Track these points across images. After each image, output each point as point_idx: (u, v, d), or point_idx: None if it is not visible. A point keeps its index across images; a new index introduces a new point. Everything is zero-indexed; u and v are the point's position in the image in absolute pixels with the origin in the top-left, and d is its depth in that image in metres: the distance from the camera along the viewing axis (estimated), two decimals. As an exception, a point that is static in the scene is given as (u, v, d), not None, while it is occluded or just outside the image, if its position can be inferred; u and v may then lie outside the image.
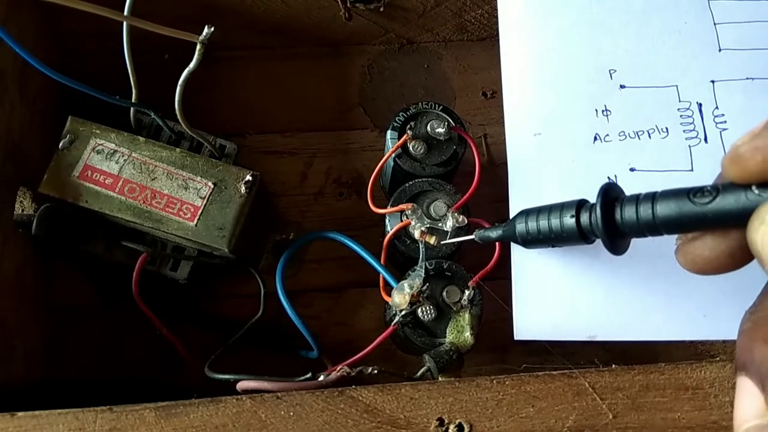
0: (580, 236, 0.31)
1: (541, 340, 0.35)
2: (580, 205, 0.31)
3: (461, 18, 0.47)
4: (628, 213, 0.28)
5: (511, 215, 0.36)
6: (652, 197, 0.27)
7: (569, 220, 0.30)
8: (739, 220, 0.24)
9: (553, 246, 0.33)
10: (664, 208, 0.26)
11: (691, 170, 0.38)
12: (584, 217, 0.30)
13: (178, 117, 0.35)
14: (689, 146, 0.38)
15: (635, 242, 0.36)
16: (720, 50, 0.40)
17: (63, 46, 0.45)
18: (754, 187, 0.24)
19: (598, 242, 0.30)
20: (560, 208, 0.31)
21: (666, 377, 0.31)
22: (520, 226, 0.33)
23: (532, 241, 0.33)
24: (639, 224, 0.27)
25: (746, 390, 0.23)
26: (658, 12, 0.41)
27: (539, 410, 0.30)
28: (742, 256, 0.26)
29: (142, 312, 0.37)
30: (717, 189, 0.25)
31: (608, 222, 0.28)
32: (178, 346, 0.38)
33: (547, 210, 0.32)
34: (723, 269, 0.26)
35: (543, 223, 0.32)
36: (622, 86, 0.39)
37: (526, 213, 0.33)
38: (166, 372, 0.41)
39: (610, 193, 0.29)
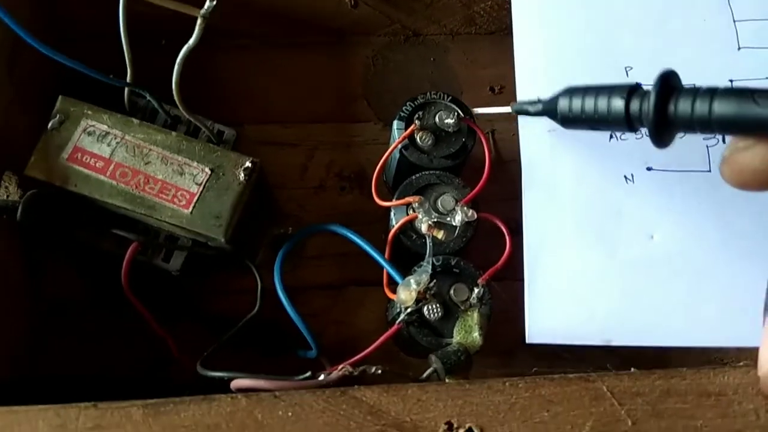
0: (626, 122, 0.29)
1: (554, 343, 0.33)
2: (633, 89, 0.29)
3: (470, 10, 0.46)
4: (683, 105, 0.26)
5: (525, 216, 0.35)
6: (713, 92, 0.26)
7: (618, 103, 0.29)
8: None
9: (593, 128, 0.32)
10: (722, 105, 0.25)
11: (709, 170, 0.37)
12: (635, 103, 0.28)
13: (175, 97, 0.34)
14: (707, 146, 0.37)
15: (655, 242, 0.34)
16: (739, 48, 0.39)
17: (57, 30, 0.43)
18: None
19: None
20: (610, 89, 0.30)
21: (688, 382, 0.29)
22: (563, 102, 0.31)
23: (573, 119, 0.31)
24: (692, 118, 0.26)
25: None
26: (676, 8, 0.40)
27: (554, 415, 0.28)
28: None
29: (131, 305, 0.35)
30: None
31: (660, 110, 0.27)
32: (170, 342, 0.36)
33: (595, 90, 0.30)
34: (762, 185, 0.25)
35: (589, 102, 0.30)
36: (638, 84, 0.38)
37: (572, 89, 0.31)
38: (156, 369, 0.39)
39: (669, 81, 0.27)
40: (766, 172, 0.25)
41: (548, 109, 0.33)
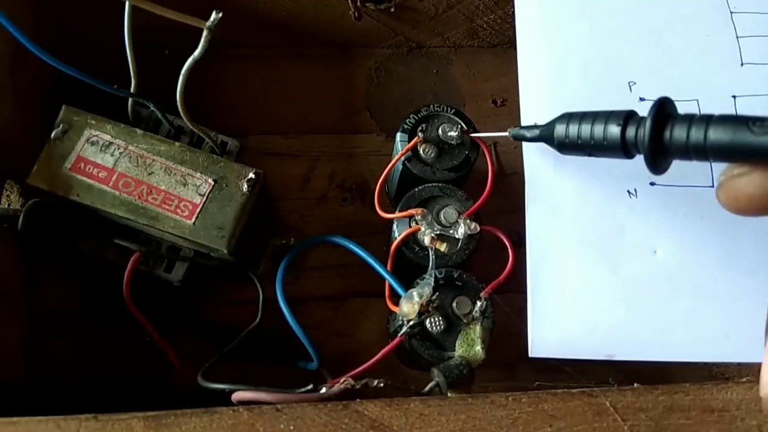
0: (622, 149, 0.29)
1: (556, 358, 0.33)
2: (629, 116, 0.29)
3: (473, 23, 0.46)
4: (679, 132, 0.26)
5: (528, 230, 0.35)
6: (708, 119, 0.26)
7: (614, 129, 0.29)
8: None
9: (589, 155, 0.31)
10: (717, 133, 0.25)
11: (712, 186, 0.37)
12: (630, 130, 0.29)
13: (179, 108, 0.34)
14: (710, 162, 0.37)
15: (658, 257, 0.34)
16: (742, 64, 0.39)
17: (60, 39, 0.43)
18: None
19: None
20: (607, 115, 0.30)
21: (691, 398, 0.29)
22: (560, 128, 0.31)
23: (569, 145, 0.31)
24: (688, 145, 0.26)
25: None
26: (679, 24, 0.40)
27: (557, 430, 0.28)
28: None
29: (132, 316, 0.35)
30: None
31: (656, 137, 0.27)
32: (170, 354, 0.36)
33: (592, 116, 0.30)
34: (763, 211, 0.25)
35: (585, 129, 0.30)
36: (641, 99, 0.38)
37: (569, 115, 0.31)
38: (157, 381, 0.38)
39: (665, 108, 0.28)
40: (762, 199, 0.25)
41: (545, 135, 0.33)
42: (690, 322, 0.33)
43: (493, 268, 0.35)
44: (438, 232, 0.35)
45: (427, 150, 0.37)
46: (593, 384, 0.40)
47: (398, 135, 0.38)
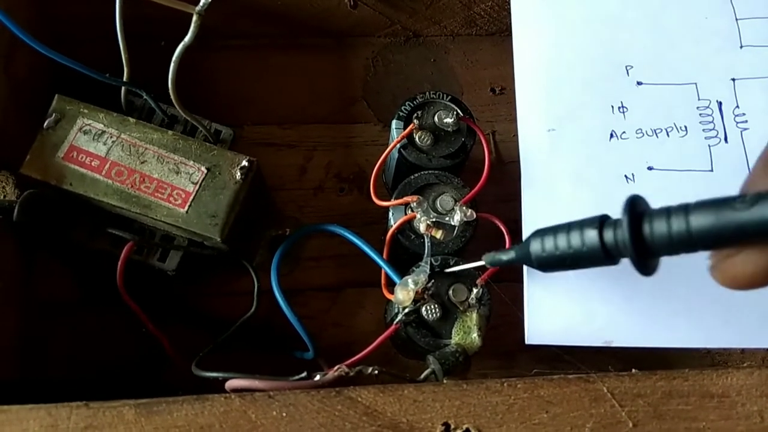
0: (604, 255, 0.27)
1: (553, 345, 0.33)
2: (603, 220, 0.27)
3: (470, 10, 0.45)
4: (659, 228, 0.24)
5: (524, 216, 0.34)
6: (685, 208, 0.24)
7: (591, 235, 0.27)
8: None
9: (573, 267, 0.29)
10: (700, 219, 0.23)
11: (711, 170, 0.36)
12: (608, 234, 0.27)
13: (171, 95, 0.33)
14: (709, 146, 0.37)
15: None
16: (741, 47, 0.38)
17: (54, 30, 0.43)
18: None
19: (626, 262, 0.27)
20: (580, 224, 0.28)
21: (690, 384, 0.29)
22: (535, 245, 0.29)
23: (549, 262, 0.29)
24: (672, 240, 0.24)
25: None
26: (677, 6, 0.39)
27: (553, 416, 0.28)
28: None
29: (127, 306, 0.35)
30: (758, 197, 0.22)
31: (636, 238, 0.25)
32: (165, 343, 0.36)
33: (565, 228, 0.28)
34: (763, 285, 0.24)
35: (561, 240, 0.28)
36: (639, 83, 0.38)
37: (541, 232, 0.29)
38: (151, 370, 0.38)
39: (637, 207, 0.26)
40: (763, 274, 0.23)
41: (521, 255, 0.30)
42: (688, 308, 0.33)
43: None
44: (434, 220, 0.35)
45: (422, 137, 0.37)
46: (593, 372, 0.39)
47: (394, 122, 0.38)
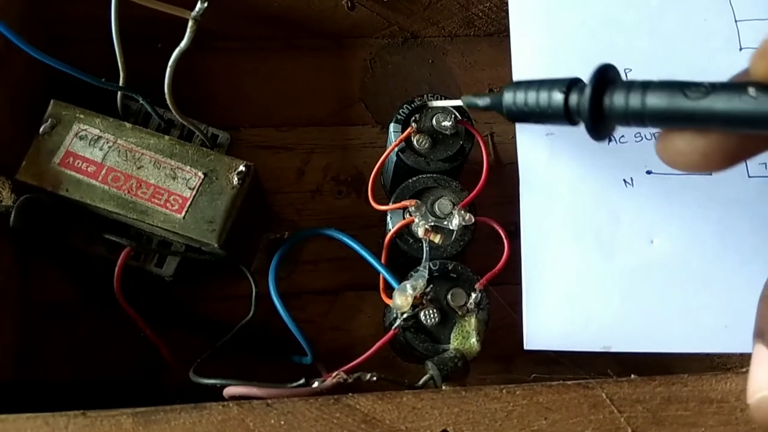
0: (566, 116, 0.29)
1: (552, 350, 0.33)
2: (573, 83, 0.29)
3: (468, 11, 0.45)
4: (618, 99, 0.26)
5: (523, 221, 0.34)
6: (645, 86, 0.26)
7: (558, 97, 0.29)
8: (728, 122, 0.23)
9: (538, 122, 0.31)
10: (654, 100, 0.25)
11: (709, 174, 0.36)
12: (573, 97, 0.28)
13: (167, 100, 0.33)
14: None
15: (654, 247, 0.34)
16: (741, 49, 0.38)
17: (48, 33, 0.43)
18: (750, 89, 0.22)
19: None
20: (551, 83, 0.29)
21: (689, 389, 0.29)
22: (508, 96, 0.31)
23: (518, 114, 0.31)
24: (626, 112, 0.26)
25: (761, 358, 0.23)
26: (675, 8, 0.39)
27: (552, 423, 0.28)
28: (717, 159, 0.25)
29: (124, 312, 0.34)
30: (713, 86, 0.24)
31: (595, 105, 0.27)
32: (163, 349, 0.36)
33: (537, 84, 0.30)
34: (694, 168, 0.26)
35: (531, 96, 0.30)
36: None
37: (516, 84, 0.31)
38: (148, 376, 0.38)
39: (606, 75, 0.27)
40: (690, 155, 0.26)
41: (495, 103, 0.32)
42: (687, 312, 0.33)
43: (488, 259, 0.34)
44: (432, 224, 0.35)
45: (420, 140, 0.37)
46: (591, 376, 0.39)
47: (391, 126, 0.37)
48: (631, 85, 0.26)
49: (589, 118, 0.27)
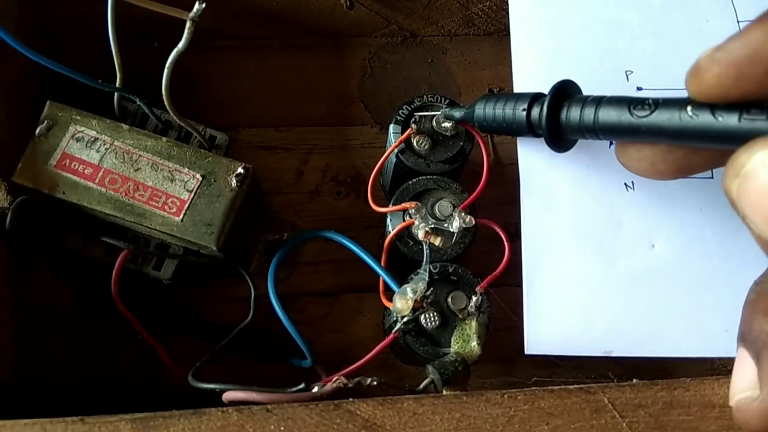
0: (528, 129, 0.31)
1: (553, 354, 0.33)
2: (534, 98, 0.31)
3: (468, 10, 0.45)
4: (573, 114, 0.29)
5: (523, 224, 0.34)
6: (598, 102, 0.28)
7: (521, 113, 0.31)
8: (670, 137, 0.25)
9: (508, 134, 0.34)
10: (604, 115, 0.27)
11: (711, 177, 0.36)
12: (535, 111, 0.31)
13: (165, 102, 0.33)
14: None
15: (656, 251, 0.34)
16: None
17: (45, 34, 0.43)
18: (689, 108, 0.24)
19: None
20: (516, 98, 0.32)
21: (691, 394, 0.28)
22: (479, 109, 0.33)
23: (487, 127, 0.33)
24: (580, 126, 0.28)
25: (743, 361, 0.24)
26: (677, 9, 0.39)
27: (554, 428, 0.27)
28: (664, 169, 0.28)
29: (122, 315, 0.34)
30: (657, 103, 0.25)
31: (552, 119, 0.29)
32: (161, 352, 0.36)
33: (505, 99, 0.32)
34: (644, 174, 0.28)
35: (499, 110, 0.32)
36: (639, 88, 0.37)
37: (486, 98, 0.33)
38: (146, 380, 0.38)
39: (563, 91, 0.30)
40: (639, 162, 0.28)
41: (468, 116, 0.34)
42: (689, 316, 0.33)
43: (489, 261, 0.34)
44: (432, 226, 0.35)
45: (420, 142, 0.36)
46: (592, 378, 0.39)
47: (391, 127, 0.37)
48: (585, 101, 0.28)
49: (546, 131, 0.30)
